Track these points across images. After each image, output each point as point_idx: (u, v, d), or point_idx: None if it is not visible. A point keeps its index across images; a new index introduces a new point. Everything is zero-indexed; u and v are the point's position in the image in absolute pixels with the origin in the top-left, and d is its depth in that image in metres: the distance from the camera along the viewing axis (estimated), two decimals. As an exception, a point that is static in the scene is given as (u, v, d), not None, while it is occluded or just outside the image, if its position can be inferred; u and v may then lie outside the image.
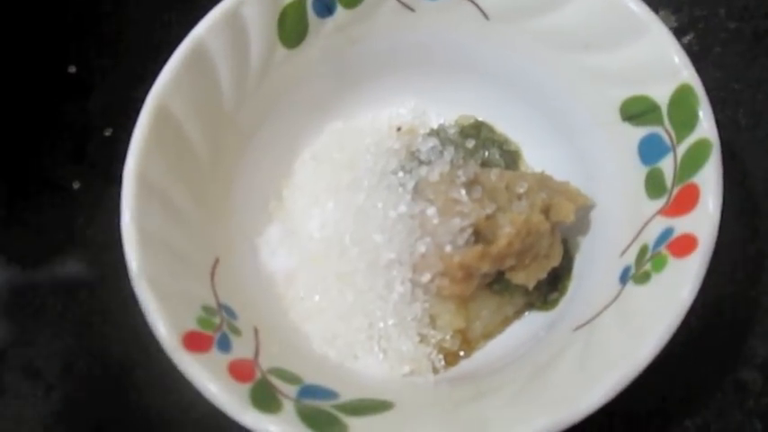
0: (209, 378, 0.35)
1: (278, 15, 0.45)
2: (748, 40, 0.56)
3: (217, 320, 0.39)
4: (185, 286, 0.40)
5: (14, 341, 0.51)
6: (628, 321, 0.37)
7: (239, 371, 0.37)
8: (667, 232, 0.38)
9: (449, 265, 0.42)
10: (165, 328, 0.37)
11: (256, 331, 0.41)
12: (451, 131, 0.50)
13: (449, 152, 0.48)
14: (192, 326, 0.38)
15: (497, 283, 0.44)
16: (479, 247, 0.42)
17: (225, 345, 0.38)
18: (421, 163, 0.47)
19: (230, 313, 0.41)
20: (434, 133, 0.50)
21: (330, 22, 0.47)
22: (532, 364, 0.40)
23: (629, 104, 0.42)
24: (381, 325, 0.44)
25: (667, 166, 0.40)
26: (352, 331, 0.45)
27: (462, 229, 0.42)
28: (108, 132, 0.57)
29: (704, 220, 0.37)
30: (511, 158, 0.50)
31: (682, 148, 0.39)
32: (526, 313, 0.46)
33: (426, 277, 0.43)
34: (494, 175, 0.45)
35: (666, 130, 0.40)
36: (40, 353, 0.51)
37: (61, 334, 0.51)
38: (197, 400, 0.36)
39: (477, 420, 0.36)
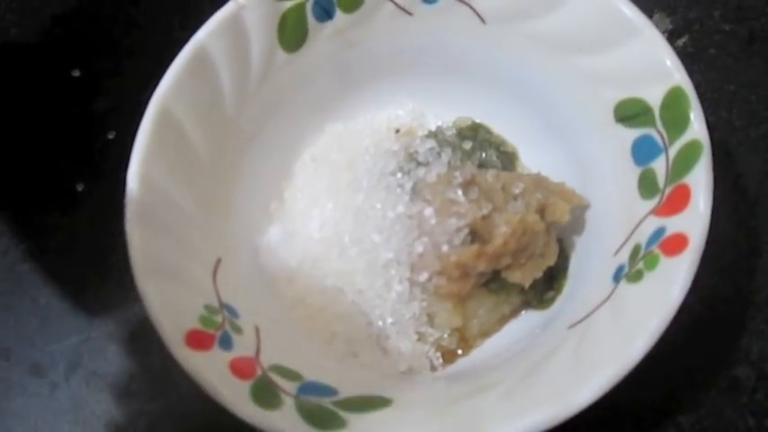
0: (211, 375, 0.36)
1: (278, 20, 0.46)
2: (743, 41, 0.56)
3: (219, 319, 0.40)
4: (188, 286, 0.40)
5: (20, 340, 0.52)
6: (620, 319, 0.37)
7: (241, 368, 0.38)
8: (659, 231, 0.39)
9: (446, 265, 0.43)
10: (168, 326, 0.37)
11: (257, 330, 0.42)
12: (449, 133, 0.51)
13: (446, 154, 0.48)
14: (195, 324, 0.39)
15: (494, 282, 0.45)
16: (476, 247, 0.42)
17: (227, 343, 0.39)
18: (419, 164, 0.48)
19: (232, 312, 0.41)
20: (432, 135, 0.51)
21: (329, 27, 0.48)
22: (528, 361, 0.41)
23: (622, 106, 0.43)
24: (380, 323, 0.45)
25: (660, 166, 0.40)
26: (352, 330, 0.45)
27: (459, 229, 0.43)
28: (112, 135, 0.58)
29: (695, 220, 0.37)
30: (508, 159, 0.51)
31: (673, 150, 0.40)
32: (522, 312, 0.47)
33: (424, 276, 0.44)
34: (490, 175, 0.46)
35: (659, 132, 0.41)
36: (45, 351, 0.51)
37: (66, 333, 0.52)
38: (198, 399, 0.37)
39: (473, 416, 0.37)
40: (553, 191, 0.45)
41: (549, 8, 0.45)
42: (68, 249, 0.54)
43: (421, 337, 0.45)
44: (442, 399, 0.41)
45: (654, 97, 0.41)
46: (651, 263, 0.38)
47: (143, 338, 0.51)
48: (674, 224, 0.38)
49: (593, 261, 0.44)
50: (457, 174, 0.45)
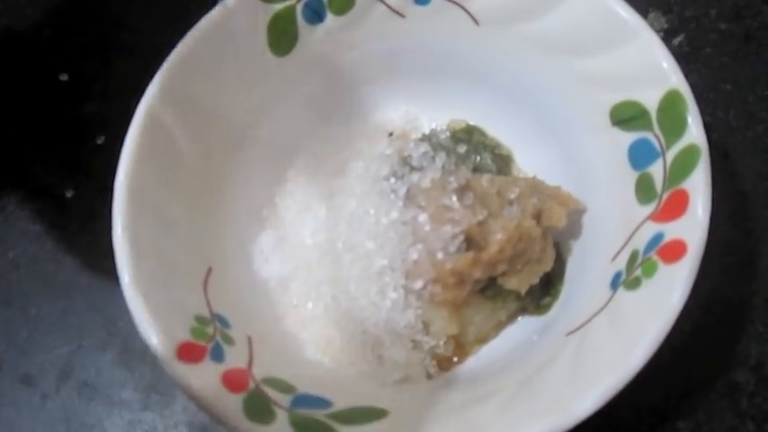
0: (202, 389, 0.35)
1: (267, 23, 0.46)
2: (739, 40, 0.56)
3: (210, 330, 0.39)
4: (178, 297, 0.40)
5: (10, 350, 0.51)
6: (619, 327, 0.37)
7: (232, 381, 0.37)
8: (657, 238, 0.38)
9: (441, 272, 0.42)
10: (157, 339, 0.37)
11: (250, 340, 0.41)
12: (443, 136, 0.51)
13: (440, 158, 0.48)
14: (185, 336, 0.38)
15: (490, 288, 0.44)
16: (471, 254, 0.42)
17: (218, 355, 0.38)
18: (413, 169, 0.47)
19: (223, 323, 0.41)
20: (426, 138, 0.50)
21: (320, 29, 0.47)
22: (525, 369, 0.40)
23: (618, 109, 0.42)
24: (375, 331, 0.45)
25: (657, 171, 0.40)
26: (346, 338, 0.45)
27: (454, 236, 0.42)
28: (101, 140, 0.57)
29: (693, 226, 0.37)
30: (503, 162, 0.51)
31: (671, 154, 0.39)
32: (519, 318, 0.46)
33: (419, 284, 0.43)
34: (485, 180, 0.45)
35: (656, 136, 0.40)
36: (35, 361, 0.51)
37: (56, 342, 0.51)
38: (192, 409, 0.36)
39: (471, 427, 0.36)
40: (549, 195, 0.45)
41: (544, 10, 0.44)
42: (58, 257, 0.54)
43: (416, 345, 0.44)
44: (439, 409, 0.40)
45: (650, 100, 0.41)
46: (649, 270, 0.37)
47: (135, 347, 0.50)
48: (672, 230, 0.38)
49: (590, 266, 0.43)
50: (451, 179, 0.44)
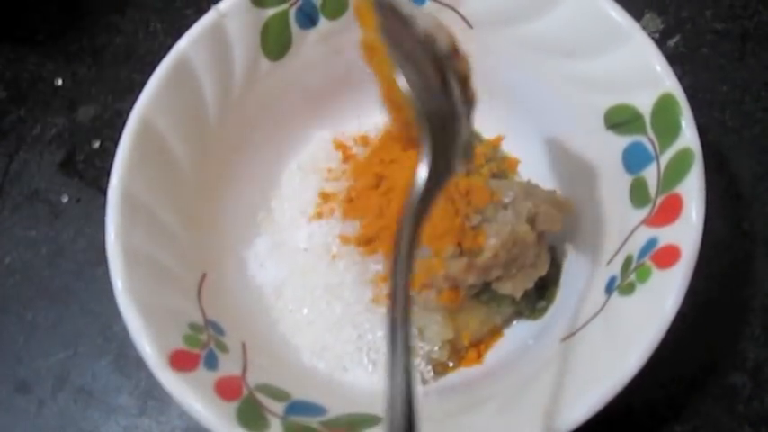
0: (194, 398, 0.35)
1: (261, 28, 0.45)
2: (735, 41, 0.56)
3: (204, 338, 0.39)
4: (171, 304, 0.40)
5: (5, 356, 0.51)
6: (613, 333, 0.37)
7: (226, 389, 0.37)
8: (651, 242, 0.38)
9: (435, 278, 0.42)
10: (150, 347, 0.37)
11: (244, 347, 0.41)
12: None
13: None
14: (179, 344, 0.38)
15: (485, 293, 0.44)
16: (465, 259, 0.41)
17: (212, 362, 0.38)
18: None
19: (217, 329, 0.41)
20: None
21: (313, 34, 0.47)
22: (520, 374, 0.40)
23: (612, 113, 0.42)
24: (370, 336, 0.45)
25: (651, 175, 0.40)
26: (341, 343, 0.45)
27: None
28: (96, 145, 0.57)
29: (687, 231, 0.37)
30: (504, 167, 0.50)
31: (665, 158, 0.39)
32: (514, 322, 0.46)
33: (413, 289, 0.43)
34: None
35: (650, 139, 0.40)
36: (31, 367, 0.51)
37: (52, 348, 0.51)
38: (188, 415, 0.36)
39: (465, 434, 0.36)
40: (544, 199, 0.45)
41: (538, 13, 0.44)
42: (54, 263, 0.54)
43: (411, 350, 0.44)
44: (434, 415, 0.40)
45: (644, 104, 0.40)
46: (643, 275, 0.37)
47: (131, 353, 0.50)
48: (666, 235, 0.37)
49: (585, 271, 0.43)
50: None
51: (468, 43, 0.46)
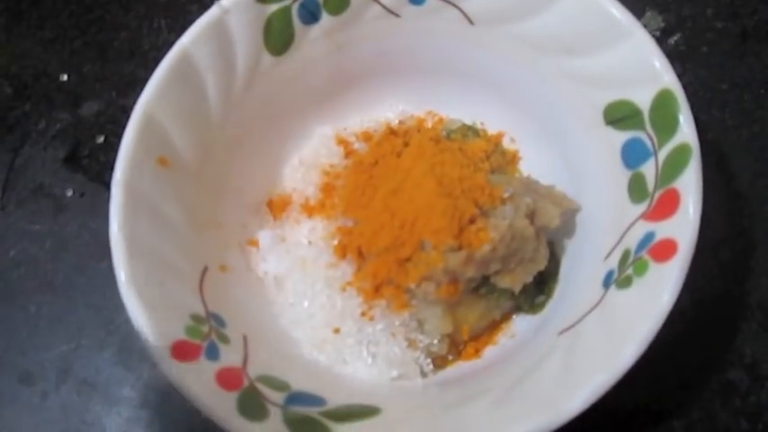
0: (196, 387, 0.36)
1: (263, 23, 0.46)
2: (735, 39, 0.56)
3: (205, 329, 0.40)
4: (174, 295, 0.40)
5: (10, 348, 0.52)
6: (610, 326, 0.37)
7: (227, 379, 0.37)
8: (649, 237, 0.38)
9: (434, 271, 0.42)
10: (153, 337, 0.37)
11: (245, 339, 0.41)
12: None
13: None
14: (181, 335, 0.38)
15: (484, 287, 0.45)
16: (464, 253, 0.42)
17: (213, 353, 0.39)
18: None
19: (219, 321, 0.41)
20: (422, 137, 0.50)
21: (316, 29, 0.47)
22: (518, 367, 0.40)
23: (611, 108, 0.43)
24: (370, 330, 0.45)
25: (649, 170, 0.40)
26: (341, 336, 0.45)
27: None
28: (100, 139, 0.58)
29: (684, 226, 0.37)
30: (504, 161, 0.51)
31: (663, 153, 0.39)
32: (513, 317, 0.47)
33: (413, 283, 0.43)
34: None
35: (648, 135, 0.40)
36: (35, 360, 0.51)
37: (56, 341, 0.52)
38: (190, 406, 0.37)
39: (463, 425, 0.36)
40: (543, 194, 0.45)
41: (538, 10, 0.44)
42: (58, 256, 0.54)
43: (411, 344, 0.45)
44: (432, 407, 0.41)
45: (643, 100, 0.41)
46: (640, 269, 0.37)
47: (133, 346, 0.51)
48: (663, 229, 0.38)
49: (583, 265, 0.44)
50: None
51: (470, 40, 0.48)
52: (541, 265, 0.44)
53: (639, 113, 0.41)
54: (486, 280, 0.44)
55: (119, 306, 0.40)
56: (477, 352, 0.46)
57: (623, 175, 0.42)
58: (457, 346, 0.46)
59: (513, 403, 0.37)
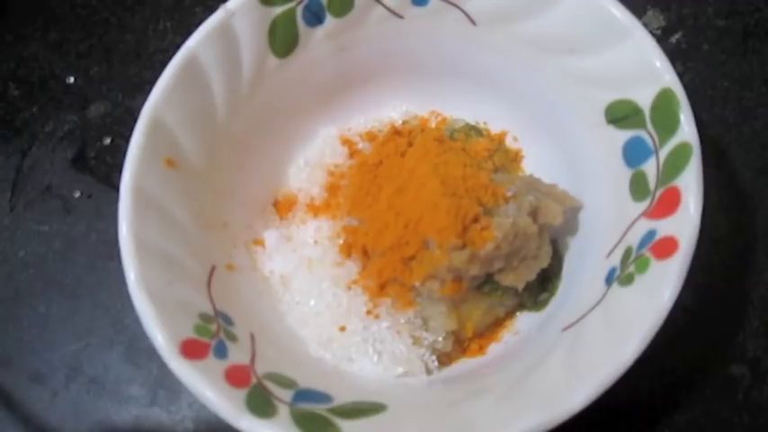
0: (205, 385, 0.36)
1: (268, 26, 0.46)
2: (737, 37, 0.56)
3: (213, 328, 0.40)
4: (182, 295, 0.41)
5: (20, 348, 0.52)
6: (612, 322, 0.38)
7: (235, 376, 0.38)
8: (650, 234, 0.39)
9: (438, 269, 0.43)
10: (162, 336, 0.38)
11: (252, 337, 0.42)
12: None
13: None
14: (189, 334, 0.39)
15: (488, 284, 0.45)
16: (467, 251, 0.42)
17: (221, 351, 0.39)
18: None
19: (227, 320, 0.42)
20: (425, 136, 0.51)
21: (320, 31, 0.48)
22: (522, 364, 0.41)
23: (613, 108, 0.43)
24: (375, 328, 0.45)
25: (650, 168, 0.40)
26: (347, 334, 0.46)
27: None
28: (107, 141, 0.58)
29: (685, 223, 0.37)
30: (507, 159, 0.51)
31: (664, 152, 0.40)
32: (517, 314, 0.47)
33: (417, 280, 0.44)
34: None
35: (649, 134, 0.41)
36: (44, 359, 0.52)
37: (65, 340, 0.52)
38: (199, 404, 0.37)
39: (467, 421, 0.37)
40: (546, 193, 0.45)
41: (540, 10, 0.45)
42: (66, 257, 0.55)
43: (416, 341, 0.45)
44: (437, 403, 0.41)
45: (644, 99, 0.41)
46: (642, 266, 0.38)
47: (141, 345, 0.51)
48: (664, 227, 0.38)
49: (586, 263, 0.44)
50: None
51: (472, 41, 0.48)
52: (544, 262, 0.45)
53: (640, 112, 0.41)
54: (489, 278, 0.45)
55: (127, 305, 0.40)
56: (481, 349, 0.46)
57: (625, 174, 0.42)
58: (461, 344, 0.46)
59: (517, 399, 0.37)
